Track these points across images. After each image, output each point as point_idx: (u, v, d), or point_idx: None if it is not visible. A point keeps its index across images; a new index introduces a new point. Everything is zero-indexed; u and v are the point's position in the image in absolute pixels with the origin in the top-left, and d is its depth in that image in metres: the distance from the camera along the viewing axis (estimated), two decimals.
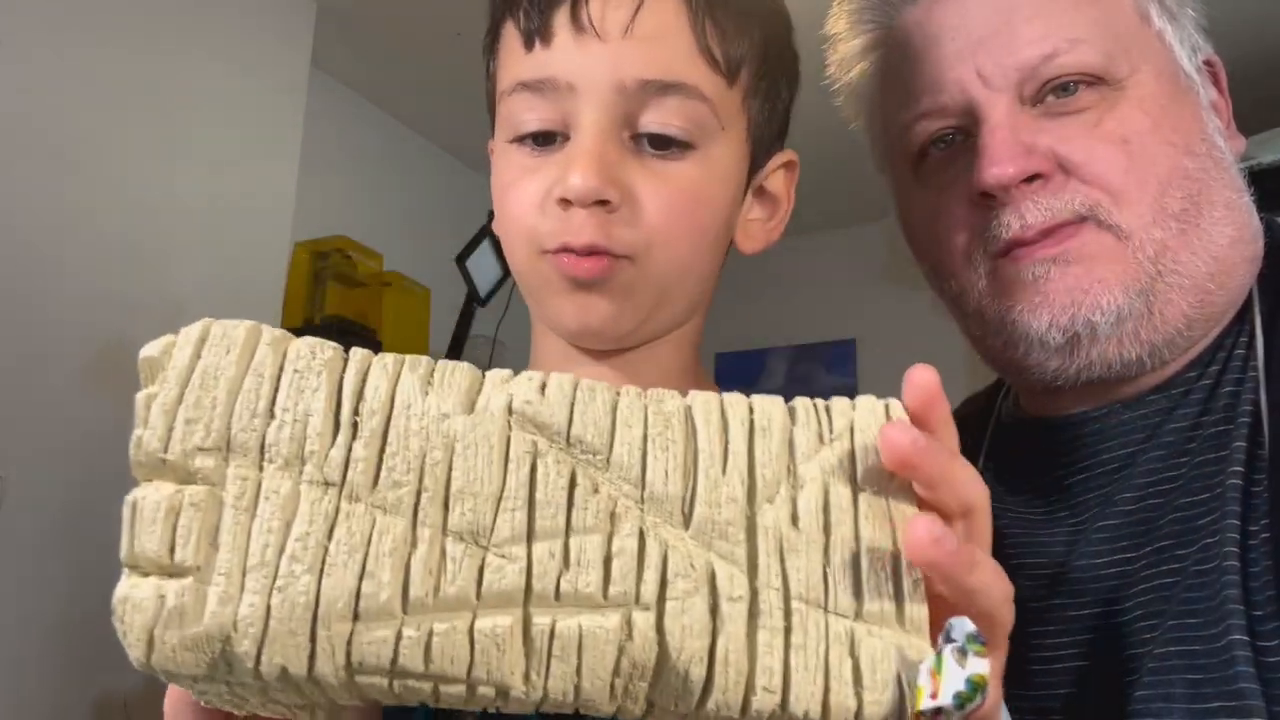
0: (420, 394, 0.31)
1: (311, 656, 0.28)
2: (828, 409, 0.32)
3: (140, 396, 0.30)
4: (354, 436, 0.30)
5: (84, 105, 1.85)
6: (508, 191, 0.52)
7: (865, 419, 0.32)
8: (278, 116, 2.30)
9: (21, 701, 1.64)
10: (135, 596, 0.28)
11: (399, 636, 0.28)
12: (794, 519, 0.30)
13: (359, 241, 2.55)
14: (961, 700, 0.27)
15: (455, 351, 1.99)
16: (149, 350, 0.31)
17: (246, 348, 0.31)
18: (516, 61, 0.52)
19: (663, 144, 0.50)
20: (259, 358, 0.31)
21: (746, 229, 0.57)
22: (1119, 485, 0.60)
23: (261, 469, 0.30)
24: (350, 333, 2.39)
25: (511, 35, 0.53)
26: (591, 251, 0.49)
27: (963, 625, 0.28)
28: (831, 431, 0.31)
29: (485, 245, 2.01)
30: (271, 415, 0.30)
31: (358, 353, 0.32)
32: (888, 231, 0.74)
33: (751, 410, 0.32)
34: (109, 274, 1.85)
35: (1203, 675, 0.51)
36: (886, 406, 0.32)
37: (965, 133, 0.63)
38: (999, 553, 0.68)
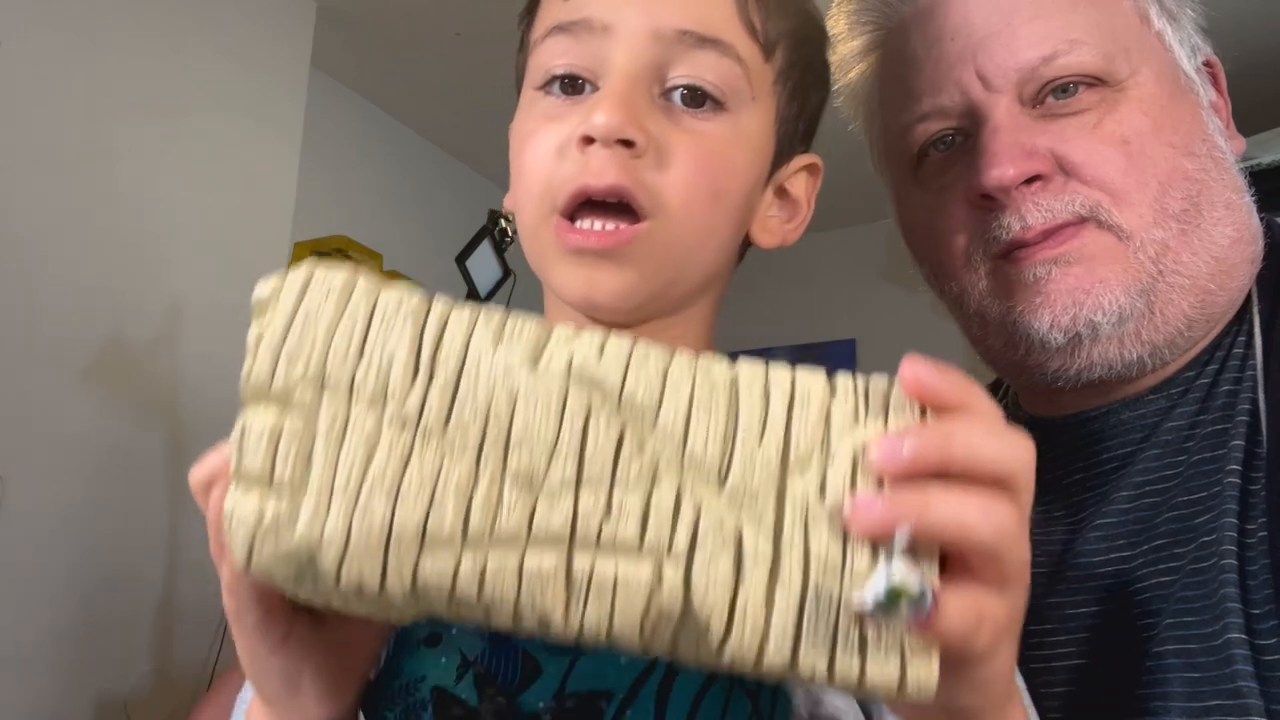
0: (491, 347, 0.34)
1: (383, 576, 0.32)
2: (866, 391, 0.34)
3: (251, 334, 0.34)
4: (430, 382, 0.33)
5: (84, 105, 1.85)
6: (526, 143, 0.51)
7: (900, 399, 0.33)
8: (278, 117, 2.30)
9: (22, 703, 1.64)
10: (240, 511, 0.33)
11: (457, 568, 0.32)
12: (822, 491, 0.32)
13: (359, 241, 2.55)
14: (887, 601, 0.29)
15: None
16: (260, 291, 0.35)
17: (344, 292, 0.34)
18: (554, 10, 0.51)
19: (694, 100, 0.49)
20: (354, 302, 0.34)
21: (764, 223, 0.55)
22: (1116, 484, 0.60)
23: (350, 404, 0.33)
24: None
25: None
26: (614, 195, 0.47)
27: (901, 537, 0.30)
28: (868, 412, 0.33)
29: (485, 245, 2.01)
30: (361, 356, 0.34)
31: (440, 301, 0.35)
32: (888, 231, 0.74)
33: (794, 383, 0.34)
34: (109, 274, 1.86)
35: (1200, 674, 0.51)
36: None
37: (965, 134, 0.63)
38: None
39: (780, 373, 0.34)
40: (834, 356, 3.81)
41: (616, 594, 0.31)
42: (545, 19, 0.52)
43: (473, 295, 2.01)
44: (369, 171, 2.96)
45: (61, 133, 1.80)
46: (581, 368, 0.33)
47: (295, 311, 0.34)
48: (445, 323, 0.34)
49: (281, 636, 0.39)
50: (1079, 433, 0.64)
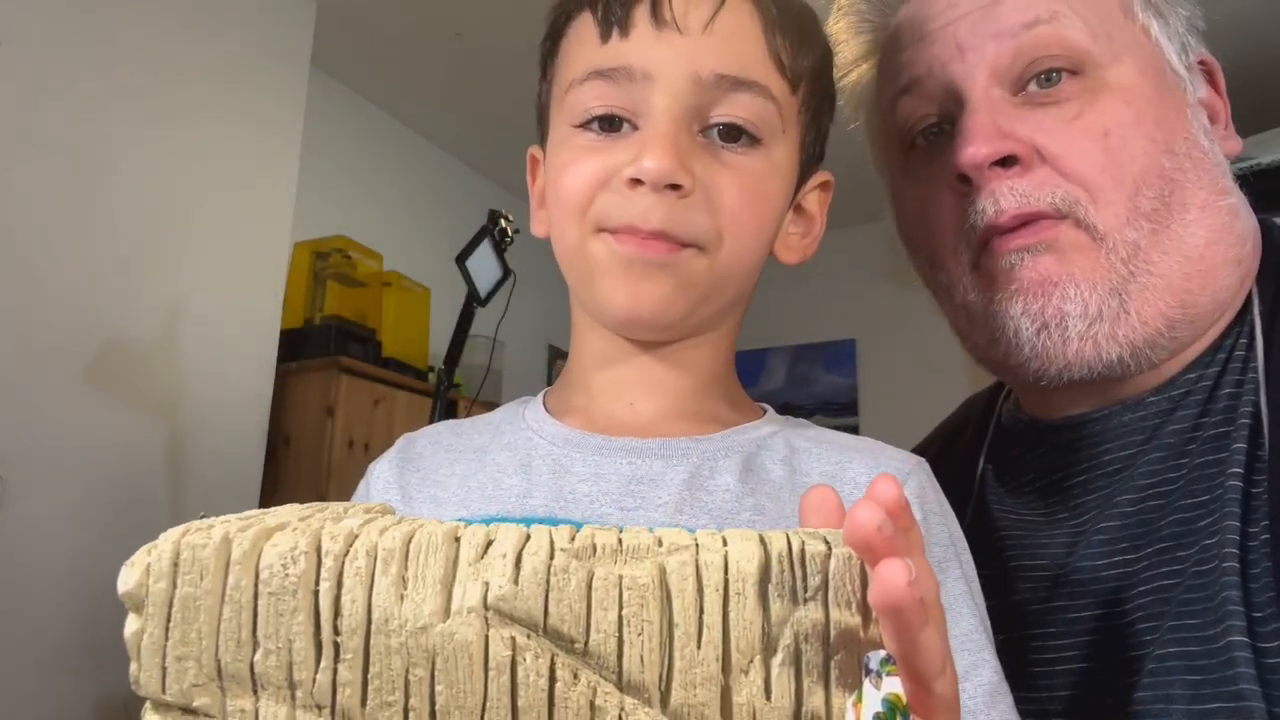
0: (396, 602, 0.31)
1: None
2: (803, 563, 0.32)
3: (129, 634, 0.32)
4: (337, 658, 0.31)
5: (84, 106, 1.85)
6: (565, 170, 0.53)
7: (840, 572, 0.32)
8: (278, 116, 2.30)
9: (22, 703, 1.64)
10: None
11: None
12: (767, 690, 0.31)
13: (359, 241, 2.55)
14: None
15: (455, 352, 1.99)
16: (126, 583, 0.32)
17: (218, 572, 0.32)
18: (590, 52, 0.53)
19: (732, 136, 0.51)
20: (233, 582, 0.31)
21: (786, 240, 0.58)
22: (1119, 487, 0.60)
23: (256, 696, 0.31)
24: (350, 333, 2.39)
25: (585, 27, 0.53)
26: (659, 237, 0.49)
27: (876, 655, 0.29)
28: (806, 590, 0.32)
29: (485, 245, 2.01)
30: (255, 643, 0.31)
31: (331, 551, 0.32)
32: (888, 231, 0.74)
33: (726, 570, 0.32)
34: (109, 274, 1.86)
35: (1202, 676, 0.51)
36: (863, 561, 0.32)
37: (951, 121, 0.64)
38: (999, 555, 0.67)
39: (712, 554, 0.32)
40: (834, 356, 3.81)
41: None
42: (581, 60, 0.53)
43: (473, 295, 2.00)
44: (369, 171, 2.96)
45: (61, 133, 1.80)
46: (498, 604, 0.31)
47: (170, 602, 0.31)
48: (340, 581, 0.31)
49: None
50: (1080, 435, 0.64)
